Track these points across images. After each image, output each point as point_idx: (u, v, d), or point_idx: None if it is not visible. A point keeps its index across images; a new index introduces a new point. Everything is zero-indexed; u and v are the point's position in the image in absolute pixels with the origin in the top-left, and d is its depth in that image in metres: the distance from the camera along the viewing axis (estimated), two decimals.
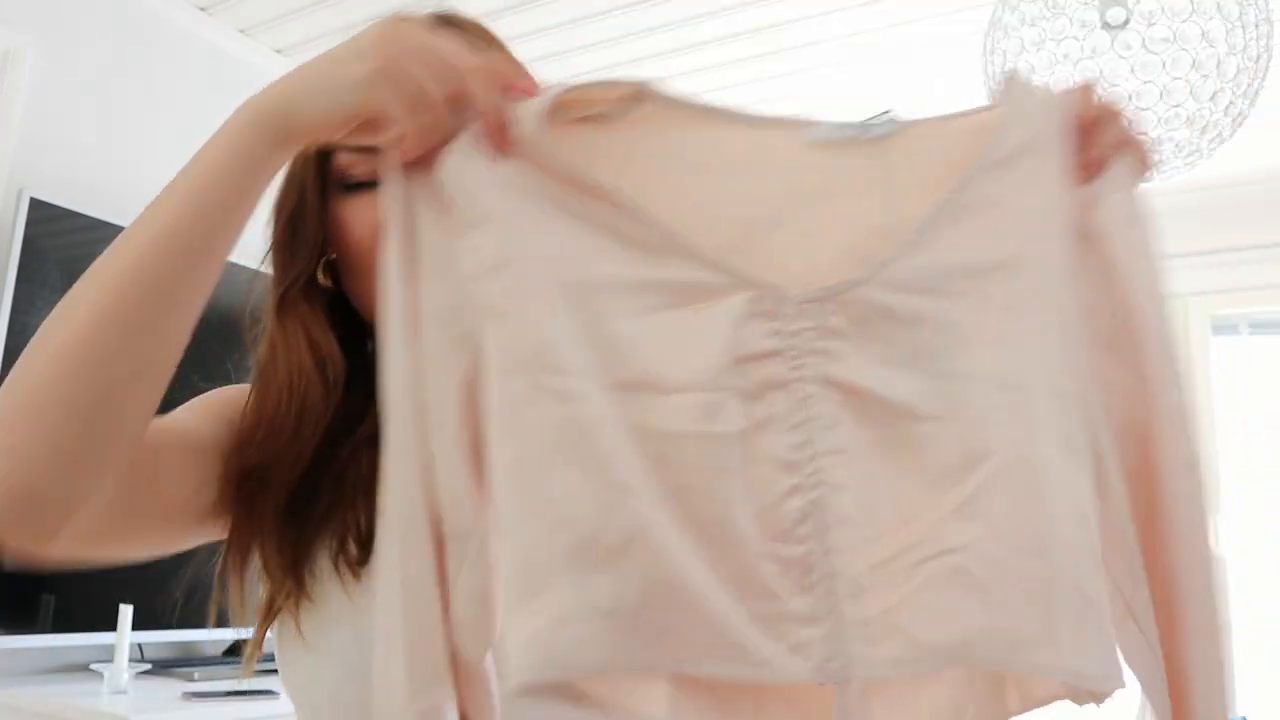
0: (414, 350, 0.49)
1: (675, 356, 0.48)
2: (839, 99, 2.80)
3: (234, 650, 2.21)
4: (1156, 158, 0.56)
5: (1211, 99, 1.57)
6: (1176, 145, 1.61)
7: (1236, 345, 3.18)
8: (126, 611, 1.84)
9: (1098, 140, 0.56)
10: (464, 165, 0.49)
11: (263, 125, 0.50)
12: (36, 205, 1.96)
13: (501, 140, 0.49)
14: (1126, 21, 1.58)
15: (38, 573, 1.95)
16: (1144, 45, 1.57)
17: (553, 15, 2.43)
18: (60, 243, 2.01)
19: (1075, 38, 1.60)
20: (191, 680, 1.98)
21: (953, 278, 0.52)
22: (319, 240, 0.65)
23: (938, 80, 2.67)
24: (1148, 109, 1.59)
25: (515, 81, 0.51)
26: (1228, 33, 1.54)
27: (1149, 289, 0.55)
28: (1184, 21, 1.56)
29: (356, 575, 0.63)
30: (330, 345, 0.65)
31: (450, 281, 0.49)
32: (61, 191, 2.07)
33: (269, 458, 0.63)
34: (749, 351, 0.49)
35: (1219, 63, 1.55)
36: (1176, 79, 1.57)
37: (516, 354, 0.47)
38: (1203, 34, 1.55)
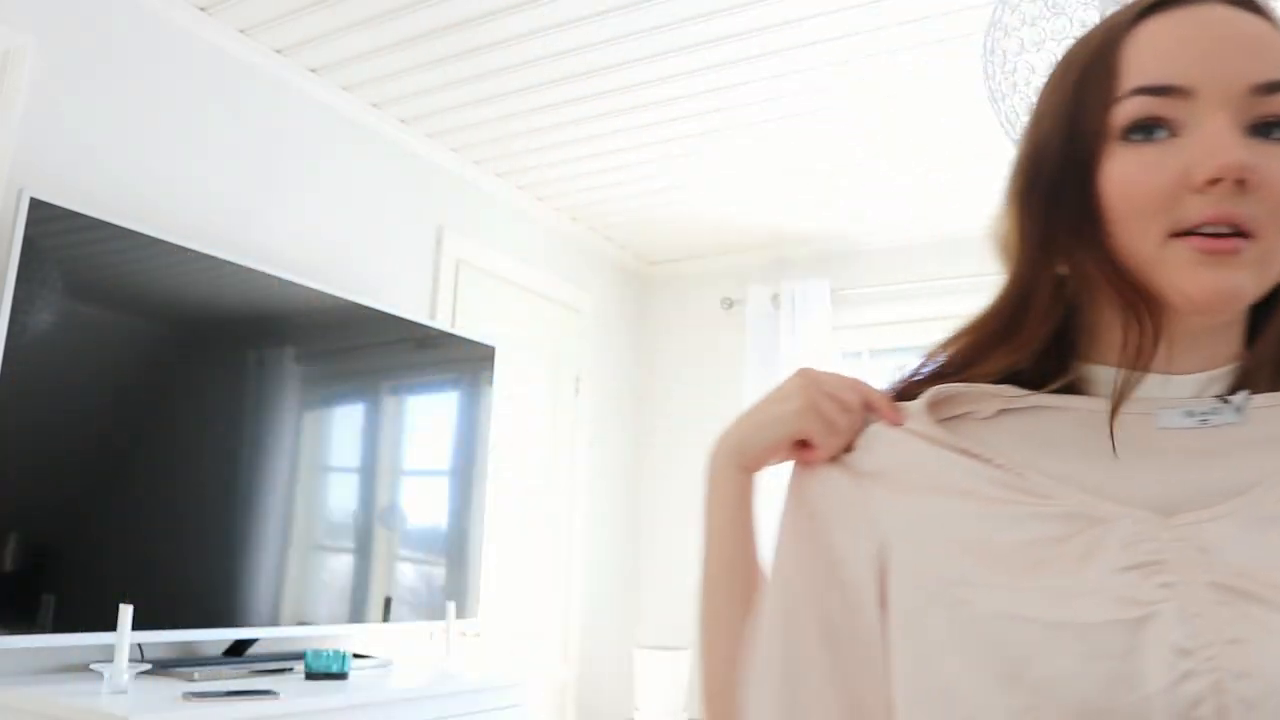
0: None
1: (1069, 568, 0.56)
2: (839, 99, 2.80)
3: (234, 650, 2.18)
4: None
5: None
6: None
7: None
8: (126, 611, 1.84)
9: None
10: (876, 434, 0.67)
11: (732, 463, 0.72)
12: (36, 205, 1.96)
13: (896, 418, 0.67)
14: None
15: (38, 572, 1.95)
16: None
17: (553, 15, 2.43)
18: (60, 243, 2.01)
19: (1075, 38, 1.60)
20: (191, 680, 1.98)
21: None
22: (1086, 193, 0.63)
23: (938, 80, 2.67)
24: None
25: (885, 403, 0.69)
26: None
27: None
28: None
29: None
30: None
31: (860, 514, 0.64)
32: (61, 191, 2.07)
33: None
34: (1135, 562, 0.55)
35: None
36: None
37: (918, 568, 0.59)
38: None
